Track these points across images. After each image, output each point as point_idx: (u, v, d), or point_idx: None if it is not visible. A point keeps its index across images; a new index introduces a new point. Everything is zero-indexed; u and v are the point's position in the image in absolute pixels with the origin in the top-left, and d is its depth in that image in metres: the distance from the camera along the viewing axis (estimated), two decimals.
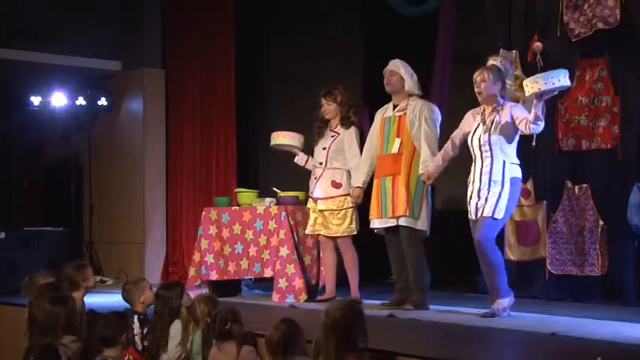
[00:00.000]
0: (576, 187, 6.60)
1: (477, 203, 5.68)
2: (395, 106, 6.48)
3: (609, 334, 4.94)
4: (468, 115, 5.94)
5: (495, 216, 5.63)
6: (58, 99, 10.47)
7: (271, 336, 4.33)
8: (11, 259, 8.62)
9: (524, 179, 6.74)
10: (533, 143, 6.47)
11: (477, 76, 5.76)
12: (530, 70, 6.76)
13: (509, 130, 5.68)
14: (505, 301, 5.70)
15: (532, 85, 5.38)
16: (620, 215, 6.28)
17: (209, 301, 5.01)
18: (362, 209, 6.88)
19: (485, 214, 5.64)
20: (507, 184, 5.66)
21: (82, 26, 9.90)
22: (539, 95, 5.39)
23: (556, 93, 5.53)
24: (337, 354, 3.92)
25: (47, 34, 9.66)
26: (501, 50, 6.88)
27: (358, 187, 6.67)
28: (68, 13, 9.81)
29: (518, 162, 5.77)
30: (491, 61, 5.83)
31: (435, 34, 7.28)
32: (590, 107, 6.53)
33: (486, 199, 5.63)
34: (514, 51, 6.90)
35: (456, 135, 5.98)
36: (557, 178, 6.75)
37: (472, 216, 5.74)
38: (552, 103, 6.62)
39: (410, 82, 6.40)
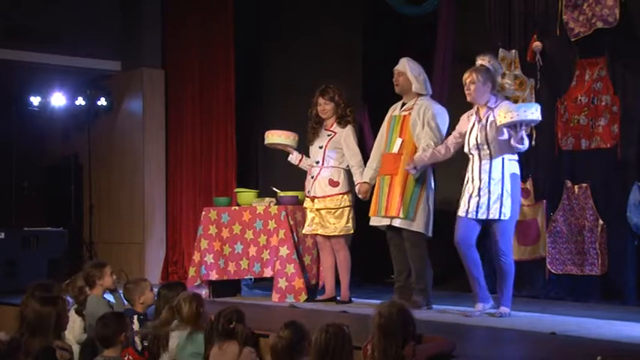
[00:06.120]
0: (576, 186, 6.60)
1: (477, 202, 5.70)
2: (403, 105, 6.48)
3: (609, 333, 4.95)
4: (463, 117, 5.99)
5: (502, 217, 5.67)
6: (58, 99, 10.45)
7: (276, 344, 4.23)
8: (11, 259, 8.61)
9: (524, 179, 6.75)
10: (533, 143, 6.47)
11: (467, 78, 5.81)
12: (530, 69, 6.78)
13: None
14: (507, 310, 5.73)
15: (504, 115, 5.49)
16: (620, 215, 6.29)
17: (193, 300, 5.02)
18: (360, 209, 6.88)
19: (492, 217, 5.68)
20: (508, 182, 5.70)
21: (81, 26, 9.88)
22: (512, 125, 5.48)
23: (525, 127, 5.61)
24: (397, 350, 3.95)
25: (47, 34, 9.64)
26: (501, 50, 6.89)
27: (366, 182, 6.65)
28: (68, 13, 9.80)
29: (516, 158, 5.79)
30: (479, 61, 5.85)
31: (435, 34, 7.28)
32: (589, 107, 6.52)
33: (488, 199, 5.66)
34: (514, 51, 6.90)
35: (451, 140, 6.03)
36: (556, 178, 6.75)
37: (468, 214, 5.74)
38: (552, 102, 6.64)
39: (416, 83, 6.39)
